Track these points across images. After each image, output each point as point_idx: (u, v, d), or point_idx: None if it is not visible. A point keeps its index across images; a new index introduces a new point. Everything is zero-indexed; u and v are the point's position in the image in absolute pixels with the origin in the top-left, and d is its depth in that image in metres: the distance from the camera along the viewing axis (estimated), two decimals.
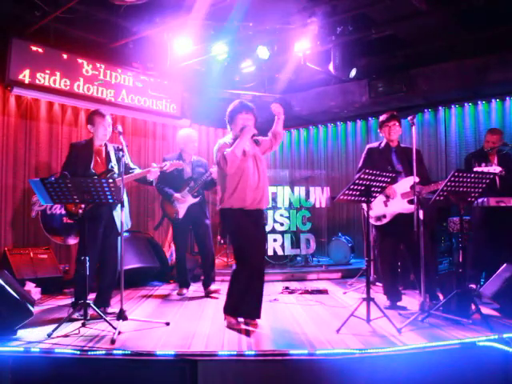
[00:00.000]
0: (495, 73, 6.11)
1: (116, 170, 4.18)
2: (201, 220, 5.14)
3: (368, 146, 4.58)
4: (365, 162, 4.46)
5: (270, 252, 6.56)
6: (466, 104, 6.96)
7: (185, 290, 5.21)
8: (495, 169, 4.01)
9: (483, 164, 4.81)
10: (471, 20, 5.60)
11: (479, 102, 6.82)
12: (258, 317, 3.73)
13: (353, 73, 6.65)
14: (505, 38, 5.75)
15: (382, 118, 4.45)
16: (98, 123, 4.15)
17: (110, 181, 3.51)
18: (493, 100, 6.69)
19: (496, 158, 5.11)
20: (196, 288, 5.57)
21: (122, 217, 3.71)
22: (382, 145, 4.48)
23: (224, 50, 6.22)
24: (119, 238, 3.88)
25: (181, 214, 5.07)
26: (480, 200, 4.76)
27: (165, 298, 5.05)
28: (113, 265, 4.15)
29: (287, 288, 5.32)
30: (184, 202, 5.05)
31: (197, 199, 5.09)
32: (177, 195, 5.04)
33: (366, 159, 4.47)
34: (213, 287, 5.12)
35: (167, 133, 7.70)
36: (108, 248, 4.12)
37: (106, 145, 4.26)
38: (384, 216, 4.27)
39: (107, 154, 4.23)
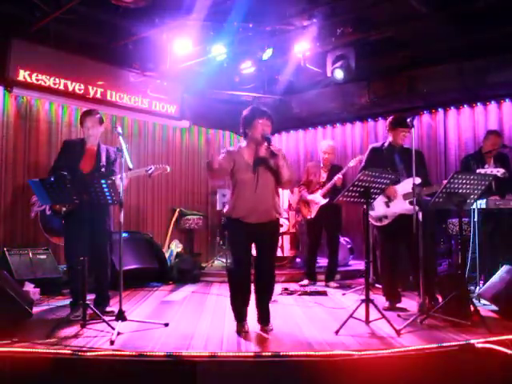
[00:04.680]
0: (494, 75, 6.13)
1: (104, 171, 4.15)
2: (331, 218, 5.79)
3: (371, 146, 4.56)
4: (367, 161, 4.44)
5: None
6: (464, 106, 6.95)
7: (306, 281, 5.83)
8: (498, 170, 4.01)
9: (486, 166, 4.83)
10: (471, 22, 5.61)
11: (478, 104, 6.82)
12: (263, 322, 3.60)
13: (338, 74, 6.61)
14: (504, 40, 5.76)
15: (397, 121, 4.36)
16: (83, 123, 4.19)
17: (110, 181, 3.50)
18: (492, 101, 6.69)
19: (492, 159, 5.12)
20: (195, 289, 5.57)
21: (121, 217, 3.70)
22: (386, 145, 4.46)
23: (223, 50, 6.22)
24: (109, 237, 3.91)
25: (313, 214, 5.73)
26: (479, 201, 4.76)
27: (164, 298, 5.03)
28: (104, 264, 4.14)
29: (286, 289, 5.31)
30: (317, 204, 5.66)
31: (326, 200, 5.64)
32: (311, 197, 5.71)
33: (368, 159, 4.46)
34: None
35: (167, 134, 7.70)
36: (97, 248, 4.07)
37: (98, 145, 4.25)
38: (385, 217, 4.25)
39: (98, 154, 4.21)
